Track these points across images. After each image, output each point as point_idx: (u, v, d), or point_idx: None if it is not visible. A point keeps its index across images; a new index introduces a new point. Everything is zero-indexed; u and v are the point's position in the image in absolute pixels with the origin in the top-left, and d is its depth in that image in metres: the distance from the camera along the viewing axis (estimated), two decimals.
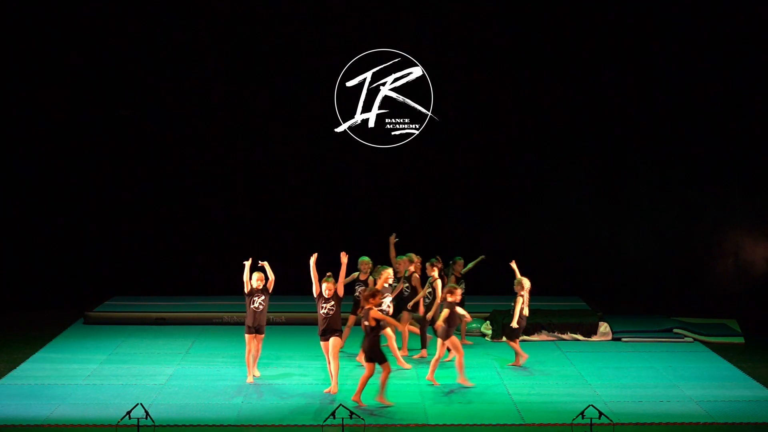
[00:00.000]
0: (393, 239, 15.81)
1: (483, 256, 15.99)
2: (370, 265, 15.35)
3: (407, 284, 15.44)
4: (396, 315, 15.12)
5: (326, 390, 13.48)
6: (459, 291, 13.99)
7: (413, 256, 15.60)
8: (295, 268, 19.32)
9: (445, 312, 13.86)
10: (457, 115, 19.75)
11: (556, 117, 19.90)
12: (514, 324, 14.88)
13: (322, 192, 20.13)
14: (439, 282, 15.04)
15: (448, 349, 14.27)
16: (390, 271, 14.63)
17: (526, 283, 14.99)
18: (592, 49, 19.69)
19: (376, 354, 13.01)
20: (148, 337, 16.82)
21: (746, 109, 19.51)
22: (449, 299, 13.89)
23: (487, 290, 17.78)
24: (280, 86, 19.82)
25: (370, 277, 15.16)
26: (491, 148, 20.03)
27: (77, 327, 17.64)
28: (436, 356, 13.97)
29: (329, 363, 13.48)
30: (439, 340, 13.94)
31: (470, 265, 16.19)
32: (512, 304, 14.99)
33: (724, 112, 19.56)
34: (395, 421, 12.30)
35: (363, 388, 13.02)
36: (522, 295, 14.93)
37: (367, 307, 13.17)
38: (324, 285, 13.33)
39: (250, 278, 14.10)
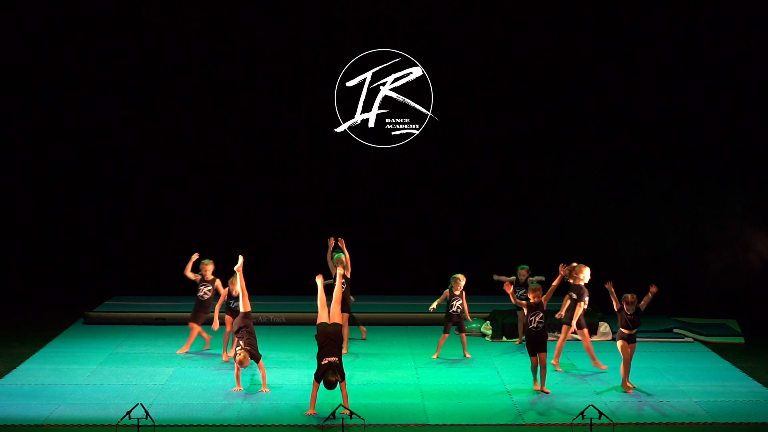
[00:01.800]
0: (195, 257, 15.76)
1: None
2: (211, 266, 15.67)
3: (209, 287, 15.62)
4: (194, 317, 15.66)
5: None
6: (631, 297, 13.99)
7: (210, 261, 15.71)
8: (295, 268, 19.41)
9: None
10: (457, 115, 19.74)
11: (556, 117, 19.88)
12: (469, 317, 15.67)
13: (322, 192, 20.13)
14: (219, 282, 15.54)
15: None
16: (588, 269, 14.89)
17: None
18: (591, 49, 19.67)
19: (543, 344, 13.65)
20: (148, 337, 16.82)
21: (746, 109, 19.50)
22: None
23: (487, 290, 17.77)
24: (280, 86, 19.82)
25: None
26: (491, 149, 20.02)
27: (77, 327, 17.64)
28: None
29: None
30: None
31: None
32: (461, 303, 15.40)
33: (723, 111, 19.54)
34: (395, 421, 12.31)
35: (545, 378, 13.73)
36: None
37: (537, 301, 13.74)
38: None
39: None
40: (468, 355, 15.53)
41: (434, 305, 15.48)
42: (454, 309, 15.43)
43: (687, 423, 12.30)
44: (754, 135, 19.49)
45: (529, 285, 14.62)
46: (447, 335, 15.51)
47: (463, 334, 15.60)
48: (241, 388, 13.62)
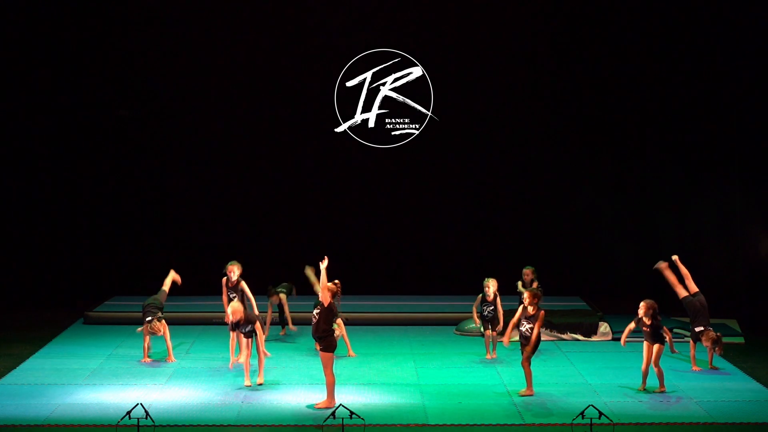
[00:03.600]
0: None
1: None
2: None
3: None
4: None
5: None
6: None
7: None
8: (294, 268, 19.38)
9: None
10: (457, 115, 19.74)
11: (557, 117, 19.89)
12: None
13: (322, 192, 20.12)
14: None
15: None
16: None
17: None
18: (591, 49, 19.67)
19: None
20: None
21: (746, 107, 19.48)
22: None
23: None
24: (280, 86, 19.82)
25: None
26: (491, 149, 20.02)
27: (77, 327, 17.65)
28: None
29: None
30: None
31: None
32: (492, 308, 15.40)
33: (723, 110, 19.53)
34: (395, 421, 12.30)
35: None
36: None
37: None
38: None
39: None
40: (495, 355, 15.53)
41: (476, 320, 15.58)
42: (486, 314, 15.50)
43: (687, 423, 12.29)
44: (753, 134, 19.47)
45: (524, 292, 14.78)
46: (488, 331, 15.51)
47: (494, 333, 15.53)
48: (236, 360, 13.92)
